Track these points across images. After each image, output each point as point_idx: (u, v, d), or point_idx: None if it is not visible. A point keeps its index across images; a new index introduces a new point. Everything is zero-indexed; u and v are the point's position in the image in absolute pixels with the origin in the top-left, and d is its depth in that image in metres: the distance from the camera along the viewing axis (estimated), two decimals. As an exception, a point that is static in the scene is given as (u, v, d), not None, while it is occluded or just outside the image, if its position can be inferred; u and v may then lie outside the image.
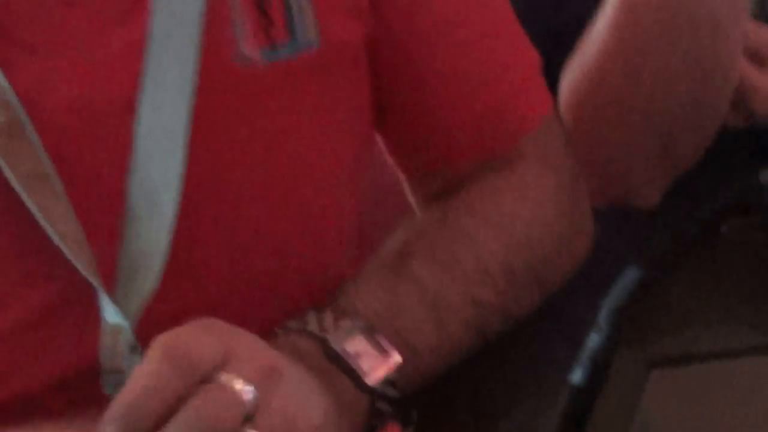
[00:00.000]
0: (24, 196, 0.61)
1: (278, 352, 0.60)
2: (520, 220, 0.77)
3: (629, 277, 0.74)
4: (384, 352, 0.65)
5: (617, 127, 0.86)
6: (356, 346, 0.64)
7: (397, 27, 0.76)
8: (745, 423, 0.66)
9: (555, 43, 0.86)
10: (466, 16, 0.78)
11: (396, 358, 0.65)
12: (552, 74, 0.82)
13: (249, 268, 0.70)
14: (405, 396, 0.68)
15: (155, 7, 0.65)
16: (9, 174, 0.61)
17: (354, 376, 0.63)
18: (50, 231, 0.61)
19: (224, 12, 0.67)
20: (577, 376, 0.67)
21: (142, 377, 0.47)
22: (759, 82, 0.87)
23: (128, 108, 0.64)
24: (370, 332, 0.66)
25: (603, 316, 0.70)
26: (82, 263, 0.62)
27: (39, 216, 0.61)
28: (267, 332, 0.64)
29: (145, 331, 0.60)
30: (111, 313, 0.62)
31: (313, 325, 0.66)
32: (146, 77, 0.64)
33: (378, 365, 0.65)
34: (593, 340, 0.69)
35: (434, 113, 0.78)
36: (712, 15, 0.82)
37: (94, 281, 0.61)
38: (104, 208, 0.64)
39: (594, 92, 0.87)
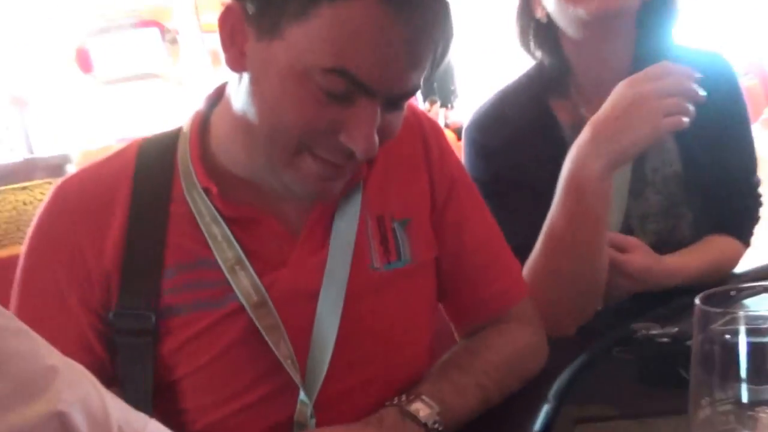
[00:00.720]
0: (266, 337, 0.91)
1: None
2: (509, 349, 1.06)
3: (565, 372, 1.05)
4: (432, 408, 0.92)
5: (549, 296, 1.19)
6: (416, 406, 0.92)
7: (448, 250, 1.06)
8: None
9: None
10: (484, 241, 1.09)
11: (437, 409, 0.92)
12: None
13: (376, 376, 0.99)
14: None
15: (332, 243, 0.96)
16: (258, 324, 0.91)
17: (416, 419, 0.91)
18: (277, 353, 0.92)
19: (365, 242, 0.99)
20: (536, 426, 0.92)
21: None
22: (620, 258, 1.21)
23: (315, 295, 0.95)
24: (426, 402, 0.93)
25: (552, 392, 1.00)
26: (294, 372, 0.92)
27: (272, 345, 0.92)
28: (380, 406, 0.94)
29: (319, 405, 0.93)
30: (303, 396, 0.92)
31: (399, 400, 0.93)
32: (325, 279, 0.95)
33: (427, 413, 0.91)
34: (547, 405, 0.97)
35: (468, 295, 1.09)
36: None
37: (298, 381, 0.92)
38: (301, 343, 0.94)
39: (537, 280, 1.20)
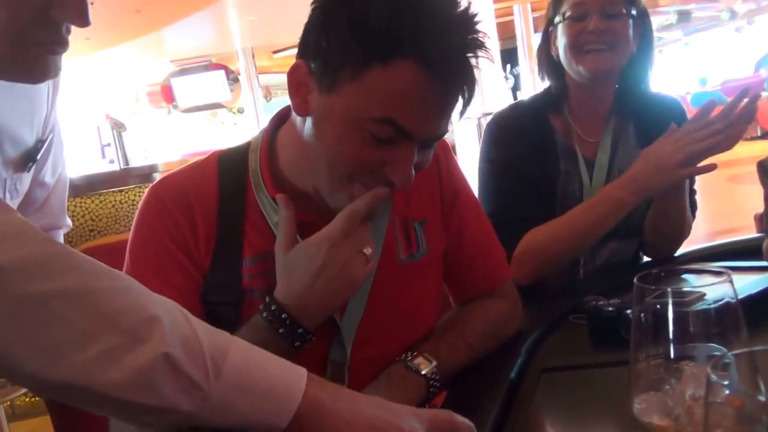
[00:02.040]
0: None
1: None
2: (491, 318, 1.05)
3: (534, 334, 1.05)
4: (431, 362, 0.93)
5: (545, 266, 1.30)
6: (418, 361, 0.92)
7: (451, 243, 1.05)
8: (597, 407, 0.83)
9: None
10: (477, 237, 1.08)
11: (435, 363, 0.92)
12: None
13: (396, 343, 0.98)
14: (443, 383, 0.93)
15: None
16: None
17: (418, 372, 0.91)
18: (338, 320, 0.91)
19: (393, 238, 0.97)
20: (512, 374, 0.93)
21: None
22: None
23: None
24: (426, 357, 0.93)
25: (524, 349, 1.00)
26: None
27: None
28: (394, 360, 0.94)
29: (351, 366, 0.92)
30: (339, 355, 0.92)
31: (404, 357, 0.93)
32: None
33: (427, 367, 0.92)
34: (520, 358, 0.98)
35: (464, 276, 1.08)
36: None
37: (336, 344, 0.91)
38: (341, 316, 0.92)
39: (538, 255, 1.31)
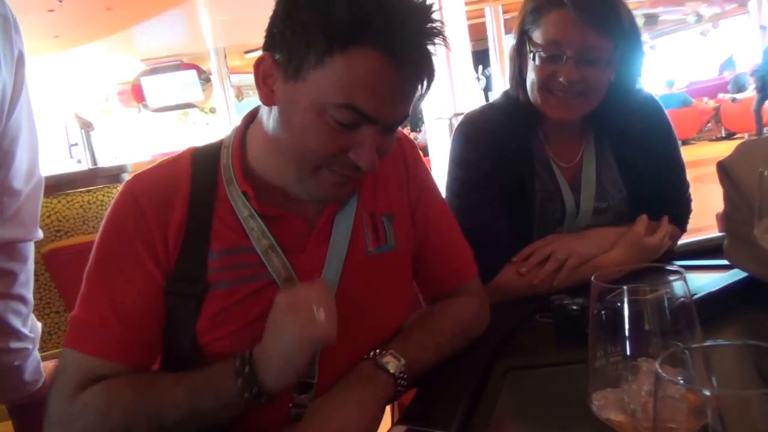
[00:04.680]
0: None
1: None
2: (459, 316, 1.06)
3: (500, 333, 1.06)
4: (399, 360, 0.93)
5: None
6: (387, 359, 0.93)
7: (420, 237, 1.06)
8: (560, 404, 0.84)
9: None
10: (443, 233, 1.09)
11: (403, 361, 0.93)
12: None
13: (366, 333, 0.98)
14: (411, 381, 0.94)
15: (333, 233, 0.96)
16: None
17: (386, 370, 0.92)
18: None
19: (361, 231, 0.98)
20: (479, 372, 0.93)
21: None
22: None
23: (319, 273, 0.94)
24: (395, 356, 0.93)
25: (491, 348, 1.01)
26: None
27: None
28: (361, 357, 0.95)
29: (322, 355, 0.92)
30: None
31: (373, 355, 0.94)
32: (327, 260, 0.95)
33: (395, 365, 0.92)
34: (487, 358, 0.99)
35: (431, 273, 1.09)
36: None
37: None
38: None
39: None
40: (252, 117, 0.98)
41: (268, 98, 0.87)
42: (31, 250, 1.08)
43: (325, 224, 0.97)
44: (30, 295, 1.09)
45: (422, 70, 0.83)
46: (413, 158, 1.07)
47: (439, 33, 0.84)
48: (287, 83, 0.84)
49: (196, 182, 0.93)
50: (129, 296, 0.87)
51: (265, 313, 0.86)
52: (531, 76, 1.25)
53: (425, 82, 0.85)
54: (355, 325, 0.95)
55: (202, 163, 0.95)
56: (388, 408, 0.96)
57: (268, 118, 0.90)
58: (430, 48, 0.84)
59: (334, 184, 0.89)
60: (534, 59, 1.23)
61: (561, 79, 1.20)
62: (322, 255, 0.95)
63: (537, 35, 1.22)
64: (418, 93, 0.85)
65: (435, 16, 0.83)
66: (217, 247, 0.90)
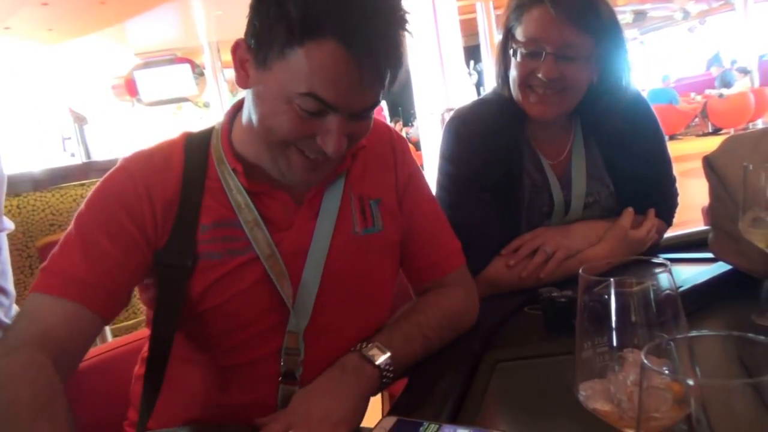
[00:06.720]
0: (274, 280, 0.93)
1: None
2: (447, 306, 1.06)
3: (489, 325, 1.06)
4: (385, 352, 0.94)
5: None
6: (372, 351, 0.94)
7: (407, 225, 1.06)
8: (548, 395, 0.85)
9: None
10: (429, 222, 1.09)
11: (388, 354, 0.93)
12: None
13: (351, 315, 0.99)
14: (397, 373, 0.95)
15: (320, 213, 0.97)
16: (269, 271, 0.92)
17: (372, 362, 0.92)
18: (282, 294, 0.93)
19: (349, 213, 0.99)
20: (468, 364, 0.94)
21: None
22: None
23: (305, 250, 0.95)
24: (380, 348, 0.94)
25: (479, 340, 1.01)
26: (290, 306, 0.93)
27: (278, 288, 0.93)
28: (352, 339, 0.97)
29: (308, 336, 0.94)
30: (292, 327, 0.94)
31: (359, 347, 0.95)
32: (313, 239, 0.96)
33: (381, 357, 0.93)
34: (476, 349, 0.99)
35: (417, 262, 1.09)
36: None
37: (293, 316, 0.93)
38: (294, 285, 0.94)
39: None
40: (239, 106, 1.01)
41: (243, 81, 0.90)
42: (3, 240, 1.07)
43: (312, 201, 0.98)
44: (9, 286, 1.09)
45: (382, 58, 0.82)
46: (401, 149, 1.09)
47: (401, 21, 0.84)
48: (258, 70, 0.86)
49: (188, 162, 0.95)
50: (103, 248, 0.87)
51: (253, 285, 0.91)
52: (513, 73, 1.26)
53: (389, 71, 0.84)
54: (341, 306, 0.97)
55: (195, 145, 0.98)
56: (378, 398, 0.97)
57: (246, 103, 0.93)
58: (397, 37, 0.84)
59: (305, 168, 0.90)
60: (515, 56, 1.24)
61: (540, 75, 1.20)
62: (309, 231, 0.97)
63: (519, 32, 1.23)
64: (385, 81, 0.84)
65: (397, 4, 0.84)
66: (207, 220, 0.93)
